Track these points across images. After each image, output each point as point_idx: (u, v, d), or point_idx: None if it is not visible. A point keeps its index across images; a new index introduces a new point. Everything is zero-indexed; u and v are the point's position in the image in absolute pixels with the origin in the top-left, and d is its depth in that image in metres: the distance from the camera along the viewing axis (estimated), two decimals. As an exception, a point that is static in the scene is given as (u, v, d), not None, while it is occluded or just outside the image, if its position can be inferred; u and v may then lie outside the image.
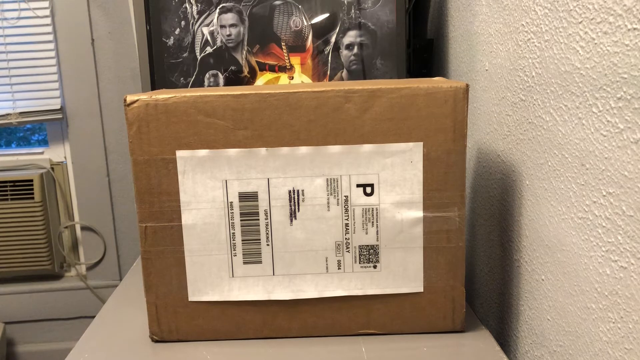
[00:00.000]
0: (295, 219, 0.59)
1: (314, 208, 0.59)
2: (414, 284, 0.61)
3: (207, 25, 0.91)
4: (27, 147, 1.63)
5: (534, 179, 0.59)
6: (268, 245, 0.60)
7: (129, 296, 0.76)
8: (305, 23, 0.90)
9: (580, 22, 0.48)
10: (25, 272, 1.58)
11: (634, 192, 0.41)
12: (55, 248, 1.59)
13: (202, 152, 0.58)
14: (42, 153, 1.61)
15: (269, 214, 0.59)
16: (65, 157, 1.61)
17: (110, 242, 1.63)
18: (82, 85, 1.54)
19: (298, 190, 0.59)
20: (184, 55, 0.91)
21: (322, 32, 0.91)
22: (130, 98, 0.57)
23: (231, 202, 0.59)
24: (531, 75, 0.59)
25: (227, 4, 0.90)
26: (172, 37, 0.91)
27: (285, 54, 0.91)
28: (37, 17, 1.50)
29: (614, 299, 0.45)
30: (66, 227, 1.63)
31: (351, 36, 0.91)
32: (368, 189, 0.59)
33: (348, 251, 0.60)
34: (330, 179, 0.59)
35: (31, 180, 1.52)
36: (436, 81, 0.59)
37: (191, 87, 0.92)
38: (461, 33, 0.85)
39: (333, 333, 0.62)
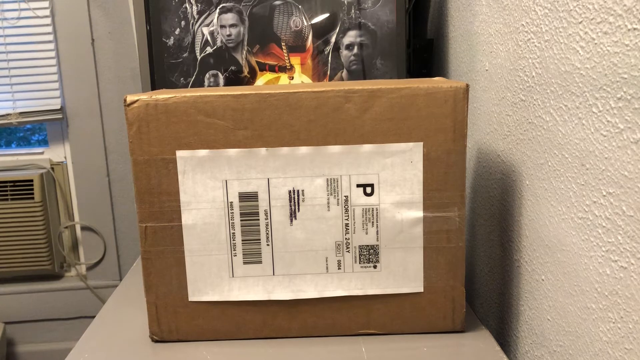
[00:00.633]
0: (295, 219, 0.59)
1: (314, 208, 0.59)
2: (414, 284, 0.61)
3: (207, 25, 0.91)
4: (27, 147, 1.63)
5: (534, 179, 0.59)
6: (268, 245, 0.60)
7: (129, 296, 0.76)
8: (305, 23, 0.90)
9: (580, 22, 0.48)
10: (25, 272, 1.58)
11: (634, 192, 0.41)
12: (55, 248, 1.59)
13: (202, 152, 0.58)
14: (42, 153, 1.61)
15: (269, 214, 0.59)
16: (65, 157, 1.61)
17: (110, 242, 1.63)
18: (82, 85, 1.54)
19: (298, 190, 0.59)
20: (184, 55, 0.91)
21: (322, 32, 0.91)
22: (130, 98, 0.57)
23: (231, 202, 0.59)
24: (531, 75, 0.59)
25: (227, 4, 0.90)
26: (172, 37, 0.91)
27: (285, 54, 0.91)
28: (37, 17, 1.50)
29: (614, 299, 0.45)
30: (66, 227, 1.63)
31: (351, 36, 0.91)
32: (368, 189, 0.59)
33: (348, 251, 0.60)
34: (330, 179, 0.59)
35: (31, 180, 1.52)
36: (436, 81, 0.59)
37: (191, 87, 0.92)
38: (461, 33, 0.85)
39: (333, 333, 0.62)
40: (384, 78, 0.92)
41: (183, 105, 0.57)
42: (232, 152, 0.58)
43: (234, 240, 0.60)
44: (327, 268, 0.61)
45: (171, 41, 0.91)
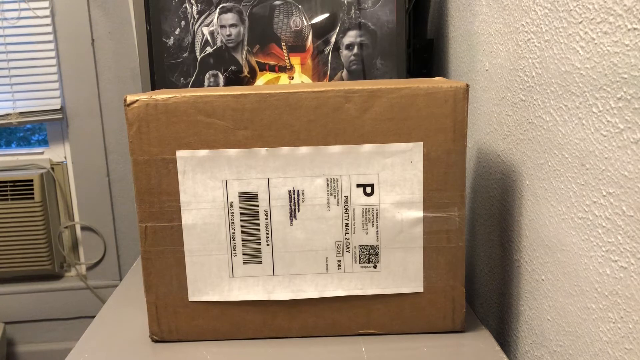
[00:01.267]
0: (295, 219, 0.59)
1: (314, 208, 0.59)
2: (414, 284, 0.61)
3: (207, 25, 0.91)
4: (27, 147, 1.63)
5: (534, 179, 0.59)
6: (268, 245, 0.60)
7: (129, 296, 0.76)
8: (305, 23, 0.90)
9: (580, 22, 0.48)
10: (25, 272, 1.58)
11: (634, 192, 0.41)
12: (55, 248, 1.59)
13: (202, 152, 0.58)
14: (42, 153, 1.61)
15: (269, 214, 0.59)
16: (65, 157, 1.61)
17: (110, 242, 1.63)
18: (82, 85, 1.54)
19: (298, 190, 0.59)
20: (184, 55, 0.91)
21: (322, 32, 0.91)
22: (130, 98, 0.57)
23: (231, 202, 0.59)
24: (531, 75, 0.59)
25: (227, 4, 0.90)
26: (172, 37, 0.91)
27: (285, 54, 0.91)
28: (37, 17, 1.50)
29: (614, 299, 0.45)
30: (66, 227, 1.63)
31: (351, 36, 0.91)
32: (368, 189, 0.59)
33: (348, 251, 0.60)
34: (330, 179, 0.59)
35: (31, 180, 1.52)
36: (436, 81, 0.59)
37: (191, 87, 0.92)
38: (461, 33, 0.85)
39: (333, 333, 0.62)
40: (384, 78, 0.92)
41: (183, 105, 0.57)
42: (232, 152, 0.58)
43: (234, 240, 0.60)
44: (327, 268, 0.61)
45: (171, 41, 0.91)
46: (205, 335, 0.62)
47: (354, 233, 0.60)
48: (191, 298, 0.61)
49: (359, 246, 0.60)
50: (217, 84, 0.92)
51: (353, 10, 0.90)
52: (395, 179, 0.58)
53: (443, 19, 0.97)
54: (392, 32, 0.90)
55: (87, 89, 1.54)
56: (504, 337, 0.72)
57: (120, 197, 1.61)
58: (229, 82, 0.92)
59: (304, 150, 0.58)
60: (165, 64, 0.91)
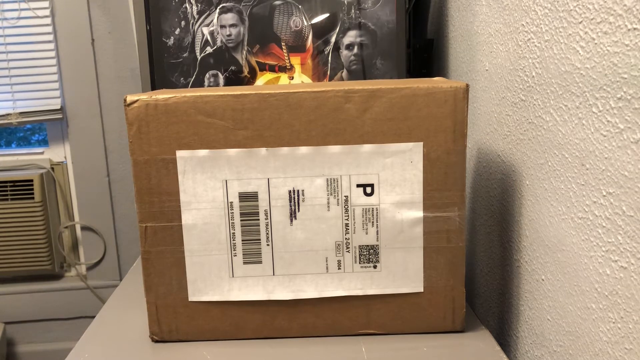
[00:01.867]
0: (296, 219, 0.59)
1: (314, 208, 0.59)
2: (414, 284, 0.61)
3: (207, 25, 0.91)
4: (27, 147, 1.63)
5: (534, 179, 0.59)
6: (268, 245, 0.60)
7: (129, 296, 0.76)
8: (305, 23, 0.90)
9: (580, 22, 0.48)
10: (25, 272, 1.58)
11: (634, 192, 0.41)
12: (55, 248, 1.59)
13: (202, 152, 0.58)
14: (42, 153, 1.61)
15: (269, 214, 0.59)
16: (65, 157, 1.61)
17: (110, 242, 1.63)
18: (82, 85, 1.54)
19: (298, 190, 0.59)
20: (184, 55, 0.91)
21: (322, 32, 0.91)
22: (130, 98, 0.57)
23: (231, 202, 0.59)
24: (531, 75, 0.59)
25: (227, 4, 0.90)
26: (172, 37, 0.91)
27: (285, 54, 0.91)
28: (37, 17, 1.50)
29: (614, 299, 0.45)
30: (66, 227, 1.63)
31: (351, 36, 0.91)
32: (368, 189, 0.59)
33: (348, 251, 0.60)
34: (330, 179, 0.59)
35: (31, 180, 1.52)
36: (436, 81, 0.59)
37: (191, 87, 0.92)
38: (461, 33, 0.85)
39: (333, 333, 0.62)
40: (384, 78, 0.92)
41: (183, 105, 0.57)
42: (232, 152, 0.58)
43: (234, 240, 0.60)
44: (327, 268, 0.61)
45: (171, 41, 0.91)
46: (205, 335, 0.62)
47: (354, 233, 0.60)
48: (191, 298, 0.61)
49: (359, 246, 0.60)
50: (217, 84, 0.92)
51: (353, 10, 0.90)
52: (395, 179, 0.58)
53: (443, 19, 0.97)
54: (392, 32, 0.90)
55: (87, 88, 1.54)
56: (504, 337, 0.72)
57: (120, 197, 1.61)
58: (229, 82, 0.92)
59: (304, 150, 0.58)
60: (165, 64, 0.91)
